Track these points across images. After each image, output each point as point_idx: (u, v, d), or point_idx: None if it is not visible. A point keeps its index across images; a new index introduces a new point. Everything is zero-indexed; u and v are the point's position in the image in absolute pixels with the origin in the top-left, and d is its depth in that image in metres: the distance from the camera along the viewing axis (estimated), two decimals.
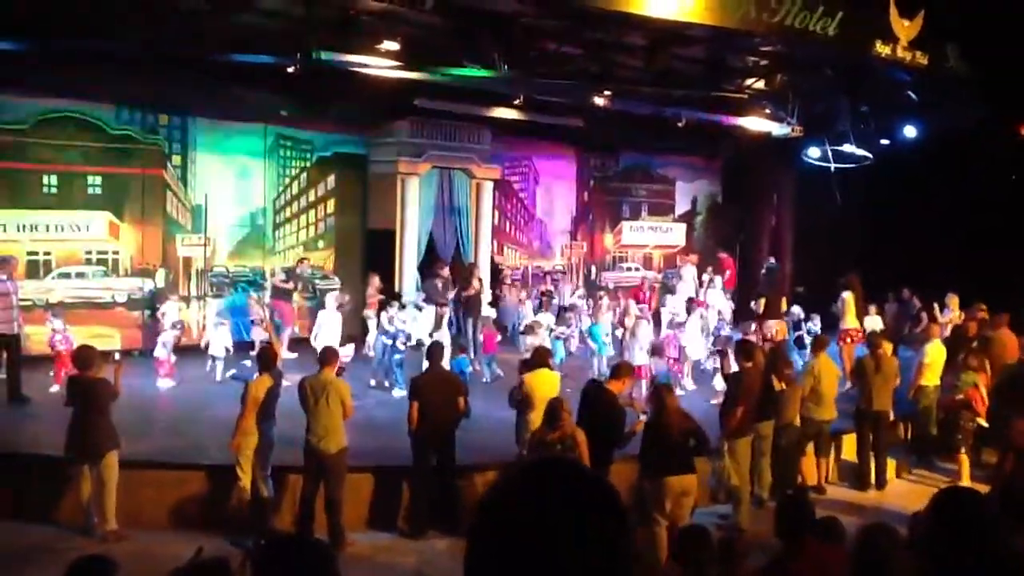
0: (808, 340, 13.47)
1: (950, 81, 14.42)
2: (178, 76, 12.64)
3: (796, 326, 14.84)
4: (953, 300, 15.33)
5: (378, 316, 13.39)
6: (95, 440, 8.44)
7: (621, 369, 9.04)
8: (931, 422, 11.93)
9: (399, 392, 12.11)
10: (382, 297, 14.29)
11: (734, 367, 9.88)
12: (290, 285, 15.06)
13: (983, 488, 8.57)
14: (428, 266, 16.06)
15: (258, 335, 14.01)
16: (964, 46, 14.02)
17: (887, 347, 11.84)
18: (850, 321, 14.14)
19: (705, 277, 17.96)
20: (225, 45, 11.52)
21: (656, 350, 12.17)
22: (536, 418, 8.72)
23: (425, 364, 10.01)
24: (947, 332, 13.93)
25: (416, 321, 13.64)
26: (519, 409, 9.07)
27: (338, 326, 12.75)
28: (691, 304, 14.33)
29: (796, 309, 15.52)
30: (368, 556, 8.48)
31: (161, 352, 12.64)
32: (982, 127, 15.86)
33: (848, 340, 14.06)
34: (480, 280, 15.27)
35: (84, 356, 8.92)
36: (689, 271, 18.45)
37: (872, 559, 4.27)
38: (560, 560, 1.42)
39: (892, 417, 11.71)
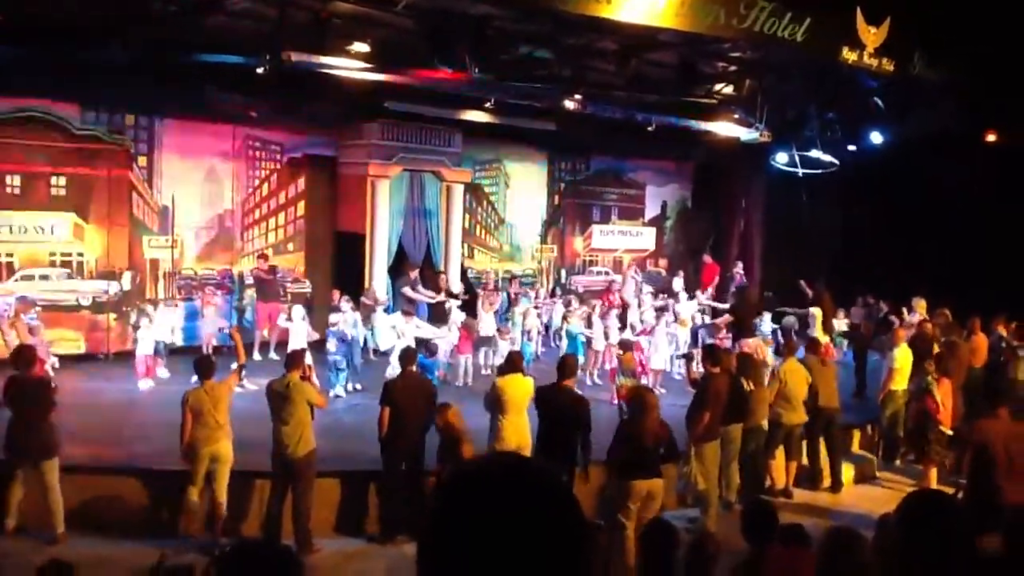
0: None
1: (917, 88, 14.60)
2: (146, 76, 12.49)
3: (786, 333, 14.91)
4: (920, 304, 15.47)
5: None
6: (33, 443, 8.26)
7: (568, 365, 9.05)
8: (898, 425, 12.05)
9: (335, 392, 12.34)
10: (382, 306, 14.37)
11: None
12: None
13: (949, 491, 8.68)
14: (397, 271, 16.07)
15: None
16: (930, 53, 14.20)
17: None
18: (818, 336, 14.20)
19: (677, 285, 18.02)
20: (194, 46, 11.42)
21: (624, 346, 12.19)
22: (508, 423, 8.74)
23: (390, 372, 10.02)
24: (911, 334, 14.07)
25: (381, 328, 13.69)
26: (492, 413, 9.05)
27: (304, 337, 12.68)
28: (659, 314, 14.46)
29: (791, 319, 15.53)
30: (336, 562, 8.42)
31: (145, 349, 12.59)
32: (949, 133, 16.07)
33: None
34: (447, 289, 15.29)
35: (23, 356, 8.77)
36: (633, 275, 18.57)
37: (838, 563, 4.30)
38: (510, 558, 1.39)
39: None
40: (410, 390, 8.96)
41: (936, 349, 12.31)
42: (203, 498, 8.48)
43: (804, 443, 11.02)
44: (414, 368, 9.53)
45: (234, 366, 9.24)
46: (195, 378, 8.79)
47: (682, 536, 5.83)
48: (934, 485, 10.36)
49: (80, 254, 14.16)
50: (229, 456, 8.47)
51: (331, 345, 12.61)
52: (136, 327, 13.10)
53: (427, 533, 1.46)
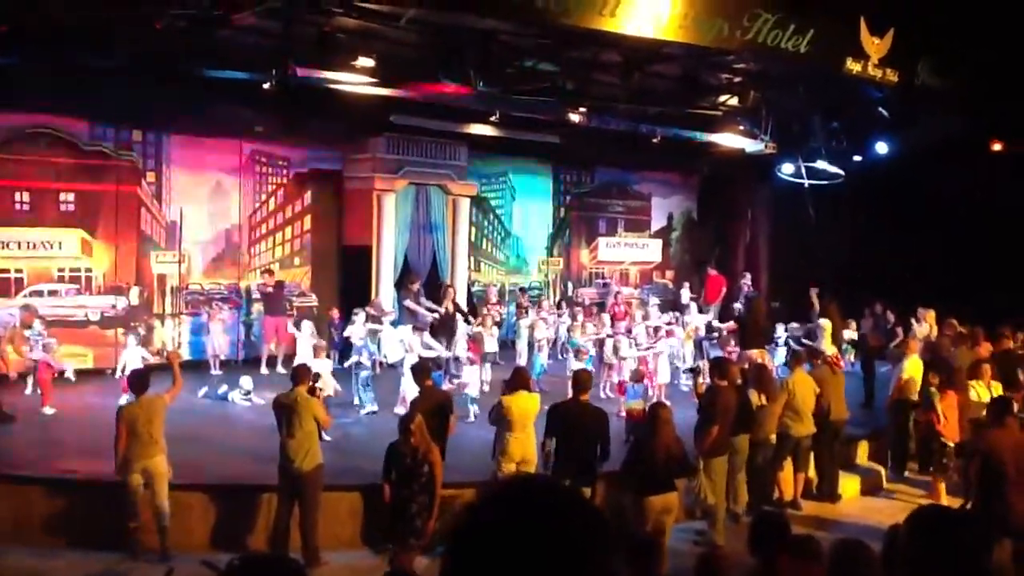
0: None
1: (921, 98, 14.59)
2: (153, 92, 12.56)
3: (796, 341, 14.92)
4: (929, 315, 15.43)
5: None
6: None
7: (582, 379, 9.02)
8: (907, 437, 12.00)
9: (368, 409, 12.23)
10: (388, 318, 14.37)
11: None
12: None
13: (957, 503, 8.65)
14: (402, 284, 16.06)
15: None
16: (934, 63, 14.19)
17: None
18: (826, 348, 14.18)
19: (684, 296, 18.02)
20: (201, 61, 11.47)
21: (637, 376, 12.11)
22: (513, 439, 8.73)
23: (405, 384, 10.03)
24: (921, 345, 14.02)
25: (388, 341, 13.68)
26: (497, 428, 9.05)
27: (310, 351, 12.69)
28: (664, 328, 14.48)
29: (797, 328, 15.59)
30: None
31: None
32: (954, 142, 16.06)
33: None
34: (455, 302, 15.25)
35: None
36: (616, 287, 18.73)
37: (846, 575, 4.28)
38: None
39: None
40: (431, 404, 9.00)
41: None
42: (144, 513, 8.45)
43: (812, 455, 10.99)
44: (430, 382, 9.58)
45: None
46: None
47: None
48: (943, 497, 10.32)
49: (88, 269, 14.22)
50: (163, 471, 8.44)
51: (365, 359, 12.62)
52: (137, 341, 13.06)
53: (455, 553, 1.47)
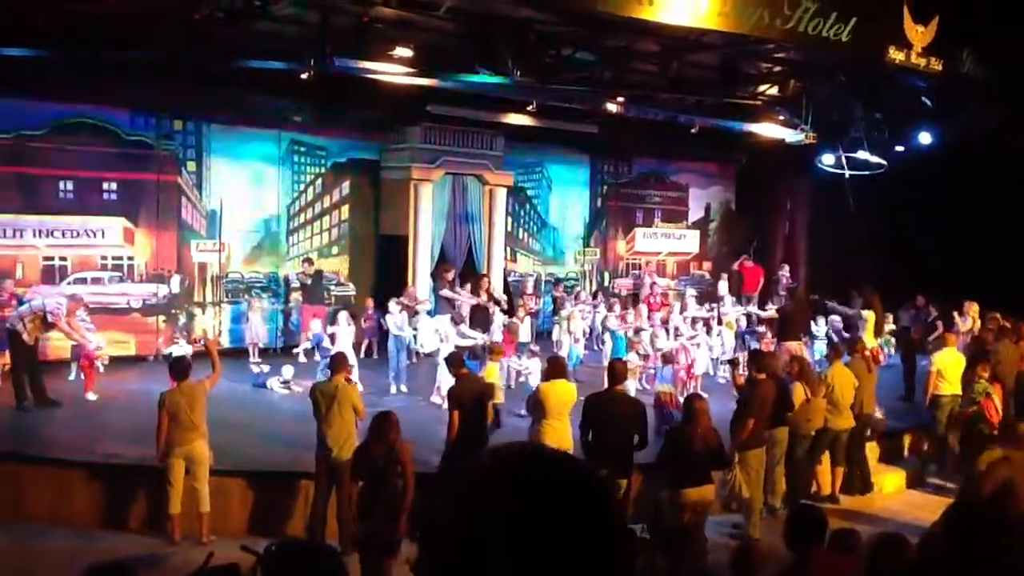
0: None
1: (965, 87, 14.34)
2: (193, 82, 12.71)
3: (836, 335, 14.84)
4: (972, 308, 15.18)
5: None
6: None
7: (617, 370, 9.00)
8: (951, 430, 11.82)
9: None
10: (424, 307, 14.39)
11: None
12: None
13: None
14: (437, 273, 16.09)
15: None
16: (979, 51, 13.94)
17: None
18: (868, 340, 14.02)
19: (722, 288, 17.90)
20: (239, 52, 11.57)
21: (667, 358, 12.11)
22: (547, 427, 8.70)
23: (441, 374, 10.10)
24: (967, 339, 13.80)
25: (424, 330, 13.75)
26: (532, 417, 9.06)
27: (350, 340, 12.77)
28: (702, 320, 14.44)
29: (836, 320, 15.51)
30: None
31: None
32: (998, 132, 15.77)
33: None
34: (490, 292, 15.23)
35: None
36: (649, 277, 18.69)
37: (884, 570, 4.24)
38: (536, 565, 1.26)
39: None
40: (471, 392, 9.03)
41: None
42: (185, 499, 8.55)
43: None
44: (465, 371, 9.60)
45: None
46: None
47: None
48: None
49: (130, 258, 14.43)
50: (204, 456, 8.55)
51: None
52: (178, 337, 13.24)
53: (452, 522, 1.32)
